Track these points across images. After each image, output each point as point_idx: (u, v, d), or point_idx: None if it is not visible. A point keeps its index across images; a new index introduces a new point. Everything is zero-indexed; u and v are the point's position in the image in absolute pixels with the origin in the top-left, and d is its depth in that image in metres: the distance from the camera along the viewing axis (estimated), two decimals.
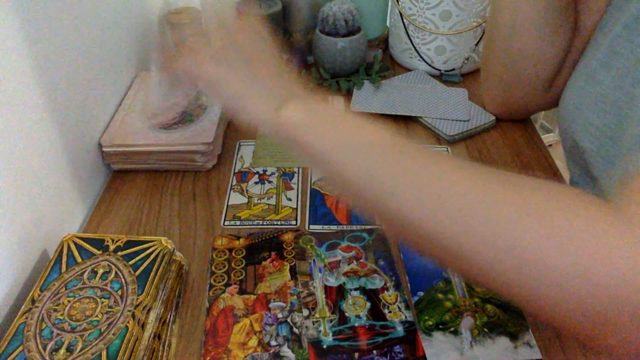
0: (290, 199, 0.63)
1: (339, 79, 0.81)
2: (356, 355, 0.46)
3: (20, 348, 0.40)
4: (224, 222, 0.60)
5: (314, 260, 0.55)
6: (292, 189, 0.64)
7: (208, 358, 0.46)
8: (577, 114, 0.55)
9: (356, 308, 0.50)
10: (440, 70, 0.84)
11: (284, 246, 0.56)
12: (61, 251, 0.48)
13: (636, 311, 0.27)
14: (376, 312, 0.50)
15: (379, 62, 0.83)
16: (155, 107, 0.51)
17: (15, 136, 0.48)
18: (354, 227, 0.59)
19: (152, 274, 0.46)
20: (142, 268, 0.47)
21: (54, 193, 0.55)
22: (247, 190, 0.64)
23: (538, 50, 0.64)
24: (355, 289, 0.52)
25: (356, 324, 0.49)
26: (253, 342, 0.47)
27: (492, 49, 0.69)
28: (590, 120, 0.53)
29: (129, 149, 0.63)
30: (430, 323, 0.49)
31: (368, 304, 0.51)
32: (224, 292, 0.51)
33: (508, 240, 0.30)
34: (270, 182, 0.65)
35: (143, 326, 0.43)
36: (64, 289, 0.45)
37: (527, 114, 0.75)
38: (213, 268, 0.54)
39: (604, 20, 0.56)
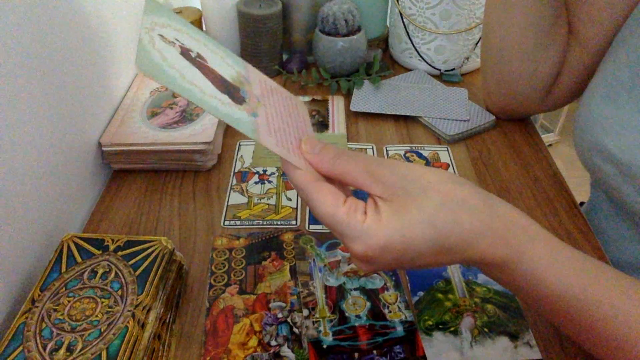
0: (290, 199, 0.63)
1: (339, 79, 0.81)
2: (356, 355, 0.46)
3: (20, 348, 0.40)
4: (224, 222, 0.60)
5: (314, 260, 0.55)
6: (292, 188, 0.64)
7: (208, 358, 0.46)
8: (589, 133, 0.54)
9: (356, 308, 0.50)
10: (440, 70, 0.84)
11: (284, 246, 0.56)
12: (61, 251, 0.48)
13: None
14: (376, 312, 0.50)
15: (379, 62, 0.82)
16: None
17: (15, 136, 0.48)
18: None
19: (152, 274, 0.46)
20: (142, 268, 0.47)
21: (54, 193, 0.55)
22: (247, 190, 0.64)
23: (530, 69, 0.64)
24: (355, 289, 0.52)
25: (356, 324, 0.49)
26: (253, 342, 0.47)
27: (486, 68, 0.70)
28: (601, 141, 0.52)
29: (128, 148, 0.63)
30: (430, 323, 0.49)
31: (368, 304, 0.51)
32: (224, 292, 0.51)
33: None
34: (270, 182, 0.65)
35: (143, 326, 0.43)
36: (64, 289, 0.45)
37: (527, 115, 0.75)
38: (213, 268, 0.54)
39: (622, 35, 0.55)
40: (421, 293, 0.52)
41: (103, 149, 0.64)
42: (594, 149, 0.54)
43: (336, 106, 0.78)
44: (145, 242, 0.49)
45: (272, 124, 0.37)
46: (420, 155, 0.70)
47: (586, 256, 0.37)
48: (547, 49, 0.62)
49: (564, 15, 0.62)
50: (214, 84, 0.35)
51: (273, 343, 0.47)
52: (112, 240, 0.49)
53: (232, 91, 0.36)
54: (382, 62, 0.86)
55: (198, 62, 0.35)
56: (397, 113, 0.75)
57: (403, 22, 0.82)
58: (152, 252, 0.48)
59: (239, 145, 0.71)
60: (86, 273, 0.46)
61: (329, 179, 0.37)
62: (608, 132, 0.51)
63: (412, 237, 0.34)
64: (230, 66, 0.37)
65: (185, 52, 0.35)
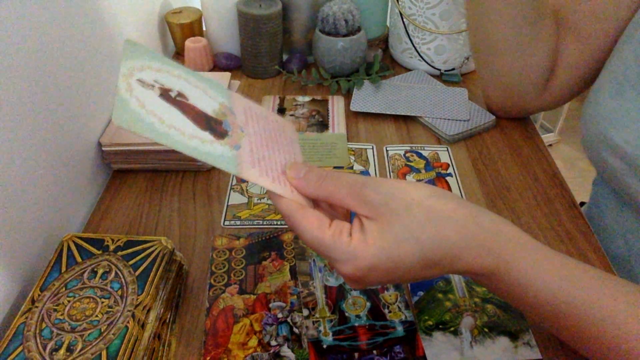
0: None
1: (339, 79, 0.81)
2: (356, 355, 0.46)
3: (20, 348, 0.40)
4: (224, 222, 0.60)
5: (314, 260, 0.55)
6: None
7: (208, 358, 0.46)
8: (596, 127, 0.54)
9: (356, 308, 0.50)
10: (440, 70, 0.84)
11: (284, 246, 0.56)
12: (61, 251, 0.48)
13: None
14: (376, 312, 0.50)
15: (379, 62, 0.83)
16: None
17: (15, 136, 0.48)
18: None
19: (152, 274, 0.46)
20: (142, 268, 0.47)
21: (54, 193, 0.55)
22: (247, 190, 0.64)
23: (520, 63, 0.65)
24: (355, 289, 0.52)
25: (356, 324, 0.49)
26: (253, 342, 0.47)
27: (479, 61, 0.71)
28: (607, 134, 0.52)
29: (128, 148, 0.63)
30: (430, 323, 0.49)
31: (368, 304, 0.51)
32: (224, 292, 0.51)
33: None
34: None
35: (143, 326, 0.43)
36: (64, 288, 0.45)
37: (526, 114, 0.75)
38: (213, 268, 0.54)
39: (628, 32, 0.55)
40: (421, 293, 0.52)
41: (103, 149, 0.64)
42: (600, 142, 0.54)
43: (336, 106, 0.78)
44: (145, 242, 0.49)
45: (255, 154, 0.38)
46: (420, 155, 0.70)
47: (572, 261, 0.38)
48: (534, 43, 0.63)
49: (547, 13, 0.62)
50: (195, 121, 0.36)
51: (273, 343, 0.47)
52: (112, 240, 0.49)
53: (213, 126, 0.36)
54: (382, 62, 0.86)
55: (178, 102, 0.35)
56: (397, 113, 0.75)
57: (403, 22, 0.82)
58: (152, 252, 0.48)
59: None
60: (86, 273, 0.46)
61: (316, 201, 0.38)
62: (615, 126, 0.51)
63: (398, 255, 0.34)
64: (212, 98, 0.38)
65: (164, 94, 0.35)
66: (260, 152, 0.38)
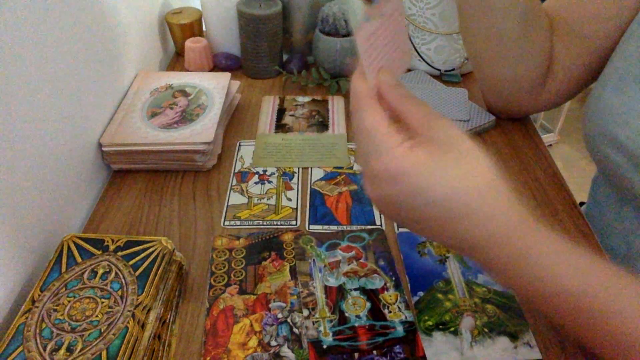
0: (290, 199, 0.63)
1: (339, 79, 0.81)
2: (356, 355, 0.46)
3: (20, 348, 0.40)
4: (224, 222, 0.60)
5: (314, 260, 0.55)
6: (292, 189, 0.64)
7: (208, 358, 0.46)
8: (599, 123, 0.55)
9: (356, 308, 0.50)
10: (440, 70, 0.84)
11: (284, 246, 0.56)
12: (61, 251, 0.48)
13: None
14: (376, 312, 0.50)
15: None
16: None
17: (15, 136, 0.48)
18: (354, 227, 0.59)
19: (152, 274, 0.46)
20: (142, 268, 0.47)
21: (54, 193, 0.55)
22: (247, 190, 0.64)
23: (509, 74, 0.66)
24: (355, 289, 0.52)
25: (356, 324, 0.49)
26: (253, 342, 0.47)
27: (474, 69, 0.73)
28: (610, 130, 0.52)
29: (128, 149, 0.63)
30: (430, 323, 0.49)
31: (368, 304, 0.51)
32: (224, 292, 0.51)
33: None
34: (270, 182, 0.65)
35: (143, 326, 0.43)
36: (64, 289, 0.45)
37: (526, 114, 0.75)
38: (213, 268, 0.54)
39: (631, 29, 0.55)
40: (421, 293, 0.52)
41: (103, 149, 0.64)
42: (603, 138, 0.54)
43: (336, 106, 0.78)
44: (145, 242, 0.49)
45: (376, 34, 0.38)
46: None
47: (587, 253, 0.37)
48: (523, 55, 0.64)
49: (538, 26, 0.63)
50: None
51: (273, 343, 0.47)
52: (112, 240, 0.49)
53: None
54: None
55: None
56: None
57: None
58: (152, 252, 0.48)
59: (239, 145, 0.71)
60: (86, 273, 0.46)
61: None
62: (617, 122, 0.52)
63: (425, 184, 0.34)
64: None
65: None
66: (380, 37, 0.39)
